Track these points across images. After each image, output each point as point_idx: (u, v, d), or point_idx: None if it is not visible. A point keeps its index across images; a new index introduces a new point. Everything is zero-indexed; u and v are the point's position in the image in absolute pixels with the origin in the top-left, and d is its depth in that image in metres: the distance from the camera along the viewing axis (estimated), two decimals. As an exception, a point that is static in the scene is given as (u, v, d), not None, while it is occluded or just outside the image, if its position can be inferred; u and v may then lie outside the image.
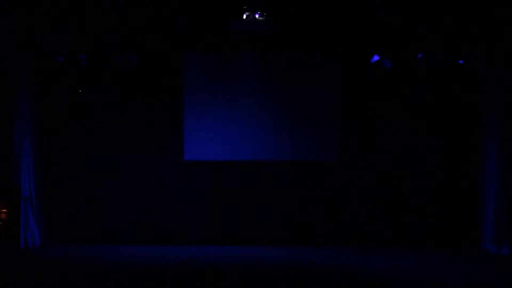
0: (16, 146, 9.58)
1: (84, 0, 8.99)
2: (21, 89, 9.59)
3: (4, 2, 8.86)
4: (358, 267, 8.31)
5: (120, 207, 10.08)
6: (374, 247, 9.77)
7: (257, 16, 8.84)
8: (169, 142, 10.15)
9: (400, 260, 8.81)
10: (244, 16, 8.85)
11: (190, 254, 9.23)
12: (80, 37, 9.53)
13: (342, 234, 9.99)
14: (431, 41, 9.53)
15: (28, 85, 9.66)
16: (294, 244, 9.89)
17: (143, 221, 10.08)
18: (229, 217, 10.07)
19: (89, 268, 8.17)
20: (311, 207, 10.05)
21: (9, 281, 7.44)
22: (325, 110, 10.08)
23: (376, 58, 9.83)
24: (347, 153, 10.06)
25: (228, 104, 10.10)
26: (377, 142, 10.07)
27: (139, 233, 10.07)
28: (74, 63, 9.87)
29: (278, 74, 10.11)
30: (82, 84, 10.17)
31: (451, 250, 9.37)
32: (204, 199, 10.10)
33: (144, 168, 10.12)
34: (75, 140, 10.14)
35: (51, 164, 10.09)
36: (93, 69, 10.05)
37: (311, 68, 10.10)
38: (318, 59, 10.10)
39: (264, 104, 10.09)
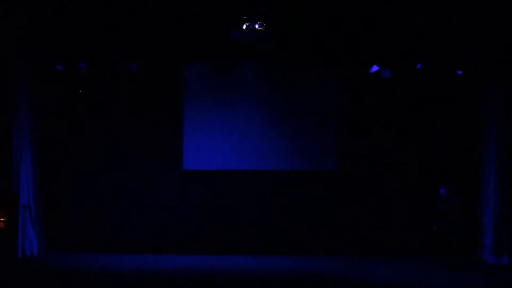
0: (15, 152, 9.50)
1: (84, 9, 8.98)
2: (21, 93, 9.54)
3: (5, 4, 8.85)
4: (357, 276, 8.31)
5: (118, 215, 10.08)
6: (373, 255, 9.75)
7: (256, 26, 8.85)
8: (168, 151, 10.15)
9: (399, 269, 8.79)
10: (244, 26, 8.86)
11: (187, 263, 9.19)
12: (81, 45, 9.53)
13: (343, 243, 9.98)
14: (430, 43, 9.49)
15: (28, 90, 9.62)
16: (294, 253, 9.86)
17: (141, 230, 10.07)
18: (228, 226, 10.05)
19: (87, 277, 8.16)
20: (311, 216, 10.04)
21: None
22: (325, 118, 10.09)
23: (375, 68, 9.81)
24: (347, 161, 10.06)
25: (227, 113, 10.09)
26: (377, 148, 10.06)
27: (137, 241, 10.06)
28: (74, 71, 9.86)
29: (278, 82, 10.11)
30: (82, 91, 10.19)
31: (451, 259, 9.34)
32: (202, 208, 10.09)
33: (143, 177, 10.12)
34: (74, 148, 10.16)
35: (50, 172, 10.09)
36: (93, 77, 10.04)
37: (310, 76, 10.10)
38: (318, 67, 10.10)
39: (264, 113, 10.09)
